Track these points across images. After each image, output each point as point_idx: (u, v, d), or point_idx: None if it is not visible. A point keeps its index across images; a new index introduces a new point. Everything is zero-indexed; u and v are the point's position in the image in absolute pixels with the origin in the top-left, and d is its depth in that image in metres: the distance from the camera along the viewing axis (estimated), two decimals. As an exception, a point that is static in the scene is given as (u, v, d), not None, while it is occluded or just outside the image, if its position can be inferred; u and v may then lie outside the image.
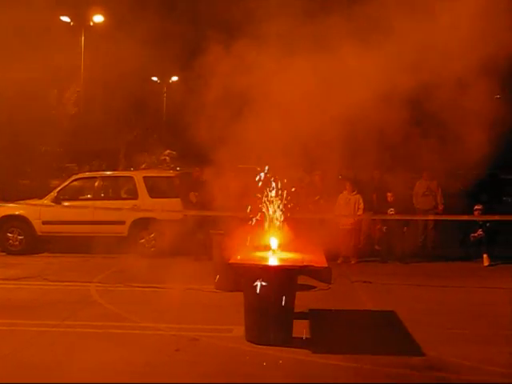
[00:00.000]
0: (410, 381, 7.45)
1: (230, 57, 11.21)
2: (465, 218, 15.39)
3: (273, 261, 8.97)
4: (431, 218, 16.74)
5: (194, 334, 9.00)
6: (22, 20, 21.12)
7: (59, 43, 25.57)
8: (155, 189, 16.87)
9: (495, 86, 10.53)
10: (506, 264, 15.20)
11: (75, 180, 17.49)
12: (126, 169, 24.26)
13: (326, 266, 8.72)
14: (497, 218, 14.99)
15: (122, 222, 16.42)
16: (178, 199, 16.39)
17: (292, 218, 9.90)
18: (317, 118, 10.68)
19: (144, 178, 17.08)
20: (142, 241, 16.37)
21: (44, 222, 16.68)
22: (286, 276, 8.57)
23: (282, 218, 9.64)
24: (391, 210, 15.55)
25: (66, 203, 16.58)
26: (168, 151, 32.91)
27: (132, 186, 17.03)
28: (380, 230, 16.18)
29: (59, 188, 17.16)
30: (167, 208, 16.04)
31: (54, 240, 16.96)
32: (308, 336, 9.02)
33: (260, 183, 9.76)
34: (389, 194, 15.92)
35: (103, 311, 10.51)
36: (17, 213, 16.83)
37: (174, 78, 46.93)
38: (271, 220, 9.63)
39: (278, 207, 9.61)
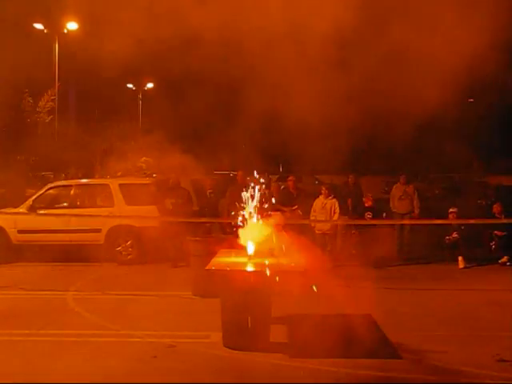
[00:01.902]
0: None
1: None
2: (439, 221, 15.55)
3: (250, 266, 8.99)
4: (406, 222, 16.90)
5: (171, 341, 9.01)
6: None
7: (33, 51, 25.44)
8: (131, 196, 16.76)
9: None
10: (481, 266, 15.37)
11: (51, 188, 17.37)
12: (103, 176, 24.17)
13: (303, 270, 8.76)
14: (471, 221, 15.16)
15: (98, 230, 16.34)
16: (155, 206, 16.34)
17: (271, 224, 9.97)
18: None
19: (120, 185, 17.00)
20: (119, 248, 16.31)
21: (19, 231, 16.56)
22: (262, 281, 8.60)
23: (260, 223, 9.70)
24: (368, 214, 15.65)
25: (42, 212, 16.45)
26: (144, 158, 32.78)
27: (108, 193, 16.93)
28: (355, 233, 16.29)
29: (35, 196, 17.03)
30: (144, 215, 16.01)
31: (30, 249, 16.83)
32: (285, 340, 9.07)
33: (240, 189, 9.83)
34: (366, 198, 16.03)
35: (80, 319, 10.46)
36: (-8, 222, 16.69)
37: (150, 85, 46.99)
38: (249, 225, 9.67)
39: (256, 213, 9.67)
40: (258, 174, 10.16)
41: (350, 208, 16.96)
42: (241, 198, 9.76)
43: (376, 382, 7.59)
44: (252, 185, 9.70)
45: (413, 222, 16.82)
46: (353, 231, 16.62)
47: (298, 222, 15.42)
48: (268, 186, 10.97)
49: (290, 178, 16.84)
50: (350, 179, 17.76)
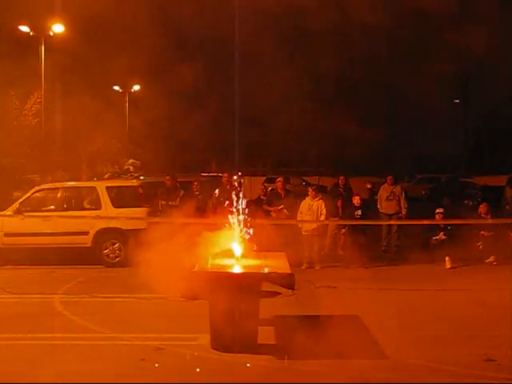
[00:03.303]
0: (374, 384, 7.54)
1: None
2: (426, 222, 15.65)
3: (236, 268, 9.00)
4: (393, 222, 17.01)
5: (159, 343, 9.00)
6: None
7: (19, 53, 25.35)
8: (118, 198, 16.75)
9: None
10: (468, 266, 15.44)
11: (37, 191, 17.29)
12: (89, 179, 24.09)
13: (289, 272, 8.78)
14: (458, 222, 15.25)
15: (86, 233, 16.30)
16: (142, 208, 16.31)
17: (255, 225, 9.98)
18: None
19: (107, 187, 16.96)
20: (106, 251, 16.27)
21: (6, 234, 16.49)
22: (249, 283, 8.61)
23: (245, 225, 9.72)
24: (358, 213, 15.67)
25: (29, 214, 16.39)
26: (131, 160, 32.77)
27: (95, 196, 16.90)
28: (344, 234, 16.34)
29: (21, 199, 16.95)
30: (131, 217, 15.98)
31: (17, 252, 16.76)
32: (273, 342, 9.08)
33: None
34: (356, 198, 16.05)
35: (68, 323, 10.44)
36: (-22, 226, 16.61)
37: (136, 87, 46.93)
38: (234, 227, 9.69)
39: (241, 214, 9.70)
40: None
41: (340, 210, 16.96)
42: (226, 198, 9.80)
43: (363, 382, 7.61)
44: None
45: (400, 222, 16.94)
46: (342, 231, 16.65)
47: (284, 223, 15.48)
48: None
49: (278, 179, 16.85)
50: (340, 180, 17.76)
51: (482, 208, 16.17)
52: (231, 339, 8.51)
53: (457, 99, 69.59)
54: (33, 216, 16.36)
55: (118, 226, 16.13)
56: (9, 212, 16.58)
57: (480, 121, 70.64)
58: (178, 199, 16.13)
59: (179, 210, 15.04)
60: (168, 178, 16.60)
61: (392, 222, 17.12)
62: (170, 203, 15.94)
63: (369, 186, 19.37)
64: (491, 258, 15.68)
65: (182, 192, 16.59)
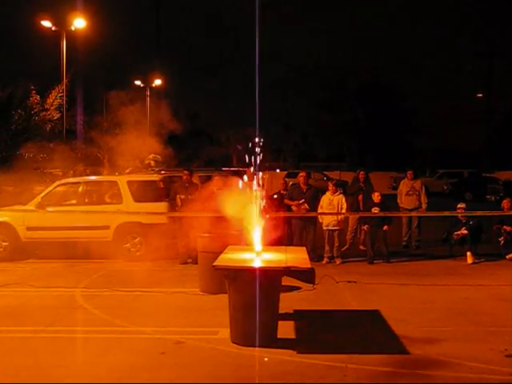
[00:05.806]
0: (395, 379, 7.50)
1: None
2: (446, 213, 15.62)
3: (257, 262, 9.00)
4: (414, 214, 16.99)
5: (179, 337, 9.02)
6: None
7: (41, 48, 25.47)
8: (139, 193, 16.79)
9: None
10: (490, 261, 15.34)
11: (59, 185, 17.40)
12: (111, 173, 24.19)
13: (310, 267, 8.77)
14: (478, 213, 15.17)
15: (107, 227, 16.36)
16: (163, 203, 16.34)
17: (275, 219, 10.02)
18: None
19: (128, 182, 16.99)
20: (127, 245, 16.31)
21: (28, 228, 16.60)
22: (270, 277, 8.61)
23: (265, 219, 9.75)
24: (375, 209, 15.59)
25: (50, 209, 16.50)
26: (153, 155, 32.84)
27: (116, 190, 16.94)
28: (364, 229, 16.28)
29: (43, 194, 17.06)
30: (152, 212, 16.03)
31: (38, 246, 16.88)
32: (293, 336, 9.09)
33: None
34: (375, 194, 15.96)
35: (89, 316, 10.50)
36: (0, 219, 16.74)
37: (158, 82, 47.10)
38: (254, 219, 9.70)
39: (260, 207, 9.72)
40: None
41: (360, 204, 16.93)
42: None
43: (383, 377, 7.59)
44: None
45: (420, 214, 16.94)
46: (362, 227, 16.63)
47: (304, 215, 15.48)
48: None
49: (301, 174, 16.78)
50: (360, 175, 17.72)
51: (506, 203, 15.97)
52: (251, 333, 8.52)
53: (480, 93, 69.30)
54: (55, 210, 16.48)
55: (138, 220, 16.17)
56: (31, 206, 16.70)
57: (503, 115, 70.30)
58: (197, 193, 16.17)
59: (198, 203, 15.11)
60: (186, 172, 16.65)
61: (412, 214, 17.10)
62: (190, 197, 15.98)
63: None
64: (513, 254, 15.56)
65: (200, 186, 16.63)
